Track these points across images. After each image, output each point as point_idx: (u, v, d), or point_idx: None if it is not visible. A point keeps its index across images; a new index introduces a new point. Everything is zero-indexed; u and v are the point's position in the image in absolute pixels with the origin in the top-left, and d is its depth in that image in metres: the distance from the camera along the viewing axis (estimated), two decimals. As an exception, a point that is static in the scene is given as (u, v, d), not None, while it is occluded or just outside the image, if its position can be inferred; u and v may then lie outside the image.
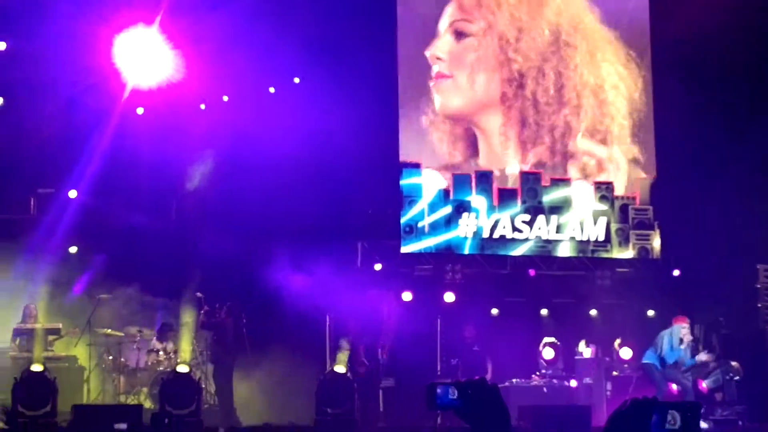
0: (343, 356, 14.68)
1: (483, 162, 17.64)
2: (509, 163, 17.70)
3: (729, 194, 16.94)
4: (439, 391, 3.22)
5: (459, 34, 17.63)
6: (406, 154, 17.40)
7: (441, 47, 17.59)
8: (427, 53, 17.53)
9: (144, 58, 16.14)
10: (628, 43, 18.15)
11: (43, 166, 16.19)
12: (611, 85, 18.02)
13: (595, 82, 17.91)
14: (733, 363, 15.74)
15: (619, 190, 17.71)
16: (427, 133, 17.48)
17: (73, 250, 15.99)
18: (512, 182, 17.55)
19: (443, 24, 17.68)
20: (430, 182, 17.32)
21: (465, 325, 16.45)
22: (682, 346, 14.71)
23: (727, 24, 16.48)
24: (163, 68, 16.23)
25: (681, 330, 14.72)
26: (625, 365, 16.39)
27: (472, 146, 17.71)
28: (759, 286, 16.75)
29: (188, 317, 14.94)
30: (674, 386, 14.82)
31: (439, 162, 17.46)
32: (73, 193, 16.18)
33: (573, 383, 16.03)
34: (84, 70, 15.80)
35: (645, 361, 14.98)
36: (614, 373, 16.25)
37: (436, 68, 17.57)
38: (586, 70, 17.89)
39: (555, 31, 17.86)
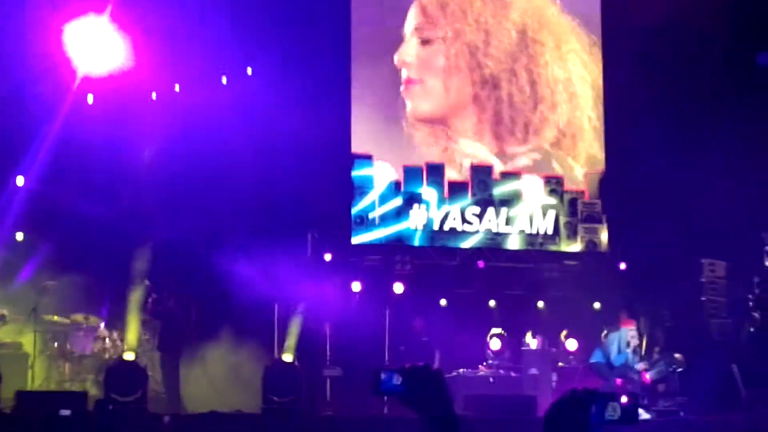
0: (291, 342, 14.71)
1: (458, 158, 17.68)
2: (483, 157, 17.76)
3: (676, 189, 17.19)
4: (383, 376, 3.24)
5: (425, 41, 17.70)
6: (358, 147, 17.44)
7: (408, 52, 17.65)
8: (395, 58, 17.55)
9: (95, 46, 16.01)
10: (588, 28, 18.34)
11: (-11, 151, 16.04)
12: (578, 75, 18.21)
13: (564, 75, 18.08)
14: (677, 355, 15.91)
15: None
16: (408, 135, 17.48)
17: (19, 236, 15.83)
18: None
19: (408, 28, 17.72)
20: (381, 174, 17.38)
21: (414, 317, 16.53)
22: (629, 350, 14.83)
23: (680, 13, 16.62)
24: (114, 56, 16.11)
25: (629, 333, 14.83)
26: (571, 356, 16.55)
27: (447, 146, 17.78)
28: (704, 279, 16.99)
29: (136, 305, 14.83)
30: (648, 375, 14.98)
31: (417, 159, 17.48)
32: (20, 180, 16.04)
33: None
34: (34, 57, 15.64)
35: (593, 360, 15.09)
36: (560, 364, 16.41)
37: (405, 73, 17.61)
38: (556, 65, 18.05)
39: (521, 30, 18.01)
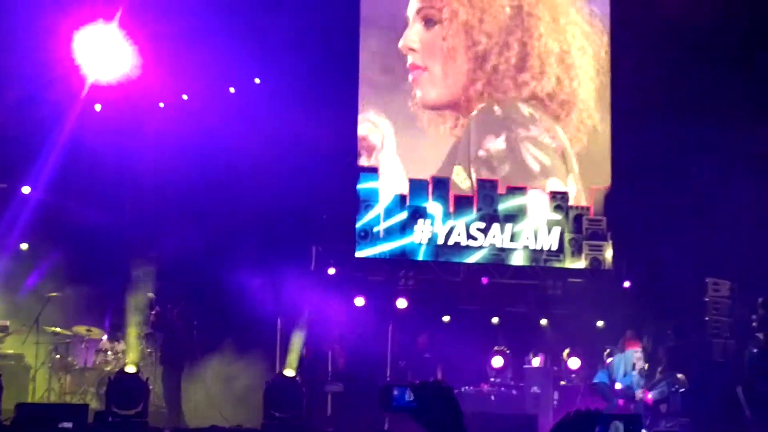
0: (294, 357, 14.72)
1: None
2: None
3: (680, 207, 17.14)
4: (395, 393, 3.24)
5: (428, 21, 17.75)
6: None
7: (412, 37, 17.68)
8: (400, 44, 17.61)
9: (103, 55, 16.05)
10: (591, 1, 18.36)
11: (-4, 161, 16.10)
12: (577, 47, 18.21)
13: (560, 48, 18.08)
14: (679, 375, 15.89)
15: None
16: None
17: (24, 246, 15.89)
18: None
19: (411, 11, 17.77)
20: (386, 187, 17.38)
21: (419, 333, 16.53)
22: (634, 372, 14.80)
23: (690, 19, 16.54)
24: (123, 65, 16.15)
25: (634, 355, 14.79)
26: (573, 375, 16.52)
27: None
28: (707, 299, 16.91)
29: (139, 318, 14.86)
30: (649, 395, 14.96)
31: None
32: (26, 189, 16.09)
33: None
34: (43, 66, 15.68)
35: (596, 380, 15.07)
36: (562, 382, 16.38)
37: (409, 59, 17.65)
38: (551, 38, 18.06)
39: (517, 5, 18.01)
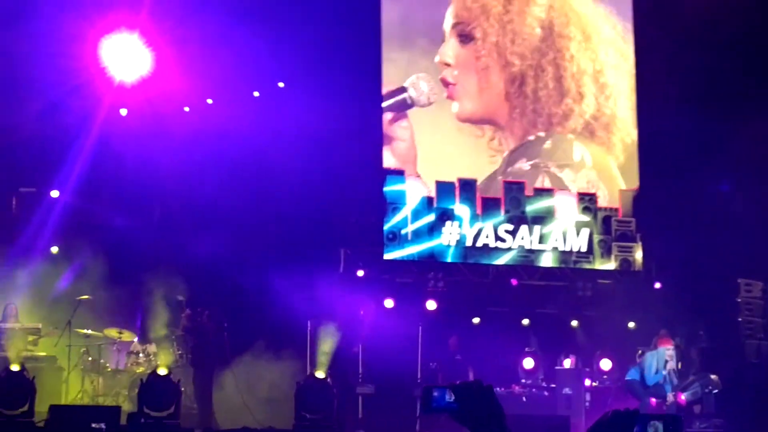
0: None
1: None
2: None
3: (711, 207, 17.04)
4: (435, 394, 3.19)
5: (463, 38, 17.69)
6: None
7: (447, 52, 17.64)
8: (436, 59, 17.57)
9: (128, 60, 16.09)
10: (621, 15, 18.27)
11: (25, 165, 16.11)
12: (611, 65, 18.12)
13: (594, 67, 18.01)
14: (713, 376, 15.77)
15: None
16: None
17: (54, 250, 15.90)
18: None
19: (447, 25, 17.74)
20: (413, 189, 17.33)
21: (450, 335, 16.46)
22: (665, 371, 14.67)
23: (717, 21, 16.46)
24: (147, 70, 16.17)
25: (666, 353, 14.67)
26: (605, 376, 16.42)
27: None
28: (740, 300, 16.83)
29: (170, 320, 14.84)
30: (653, 399, 14.83)
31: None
32: (55, 193, 16.12)
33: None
34: (69, 71, 15.73)
35: (628, 378, 14.94)
36: (593, 383, 16.27)
37: (444, 73, 17.60)
38: (583, 57, 17.99)
39: (547, 26, 17.96)
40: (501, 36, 17.77)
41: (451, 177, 17.43)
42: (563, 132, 17.88)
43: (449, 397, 3.17)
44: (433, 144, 17.56)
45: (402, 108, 17.46)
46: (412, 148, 17.48)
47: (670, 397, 14.46)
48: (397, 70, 17.67)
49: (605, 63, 18.11)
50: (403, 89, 17.44)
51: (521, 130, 17.82)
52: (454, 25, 17.72)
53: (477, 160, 17.68)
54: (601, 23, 18.20)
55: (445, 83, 17.58)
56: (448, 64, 17.59)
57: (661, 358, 14.50)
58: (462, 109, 17.63)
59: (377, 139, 17.52)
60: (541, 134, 17.85)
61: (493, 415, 3.16)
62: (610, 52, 18.16)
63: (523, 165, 17.81)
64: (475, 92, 17.72)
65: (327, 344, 14.66)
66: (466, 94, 17.68)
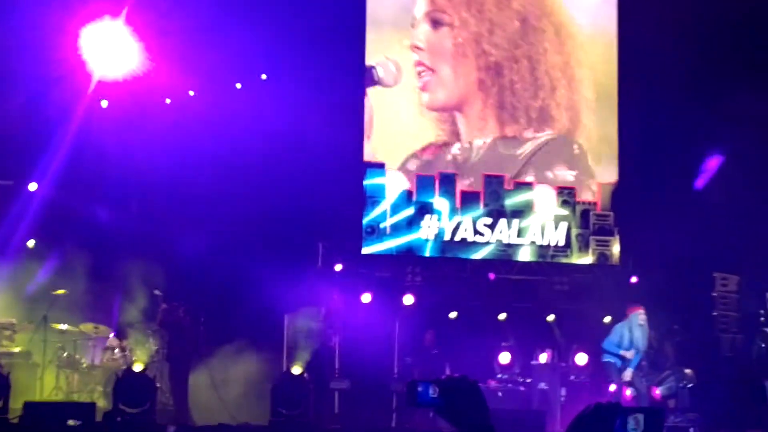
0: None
1: (463, 138, 17.76)
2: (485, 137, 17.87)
3: (688, 202, 17.10)
4: (420, 389, 3.22)
5: (435, 23, 17.71)
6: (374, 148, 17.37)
7: (419, 36, 17.65)
8: (406, 42, 17.56)
9: (110, 51, 16.05)
10: (588, 12, 18.29)
11: (2, 158, 16.08)
12: (576, 59, 18.14)
13: (562, 60, 18.04)
14: (687, 370, 15.91)
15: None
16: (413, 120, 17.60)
17: (30, 243, 15.88)
18: (474, 154, 17.65)
19: (419, 11, 17.72)
20: (393, 183, 17.35)
21: (426, 330, 16.51)
22: (638, 334, 14.64)
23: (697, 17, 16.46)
24: (129, 61, 16.15)
25: (639, 317, 14.67)
26: (581, 372, 16.48)
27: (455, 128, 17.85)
28: (715, 294, 16.90)
29: (146, 315, 14.86)
30: (628, 392, 14.91)
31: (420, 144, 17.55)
32: (33, 186, 16.10)
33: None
34: (49, 63, 15.69)
35: (604, 346, 14.93)
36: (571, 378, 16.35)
37: (415, 57, 17.60)
38: (555, 51, 18.02)
39: (523, 18, 17.99)
40: (480, 26, 17.78)
41: (401, 155, 17.42)
42: (544, 132, 17.90)
43: (433, 392, 3.21)
44: (390, 124, 17.55)
45: (367, 83, 17.51)
46: (370, 124, 17.48)
47: (627, 373, 14.51)
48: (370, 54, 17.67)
49: (571, 56, 18.10)
50: (371, 67, 17.50)
51: (499, 122, 17.81)
52: (427, 13, 17.72)
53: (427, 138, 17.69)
54: (569, 18, 18.17)
55: (420, 64, 17.54)
56: (419, 47, 17.60)
57: (634, 325, 14.51)
58: (433, 99, 17.65)
59: (358, 133, 17.53)
60: (529, 134, 17.86)
61: (478, 410, 3.20)
62: (575, 45, 18.14)
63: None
64: (449, 78, 17.72)
65: (303, 338, 14.76)
66: (440, 82, 17.68)
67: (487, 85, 17.82)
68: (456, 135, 17.75)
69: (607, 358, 14.97)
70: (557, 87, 17.96)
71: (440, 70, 17.71)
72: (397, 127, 17.63)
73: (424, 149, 17.60)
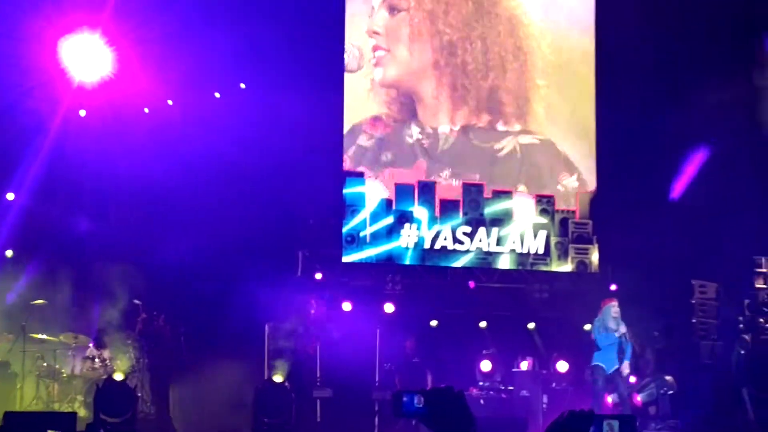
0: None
1: (421, 119, 17.93)
2: (441, 123, 18.00)
3: (666, 210, 17.21)
4: (405, 399, 3.25)
5: (392, 9, 17.84)
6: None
7: (377, 22, 17.82)
8: (365, 29, 17.72)
9: (88, 60, 15.97)
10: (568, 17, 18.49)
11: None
12: (527, 44, 18.24)
13: (515, 44, 18.16)
14: (668, 377, 15.96)
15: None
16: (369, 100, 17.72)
17: (9, 253, 15.76)
18: (443, 142, 17.82)
19: (376, 1, 17.82)
20: (373, 192, 17.38)
21: (406, 338, 16.51)
22: (613, 325, 14.53)
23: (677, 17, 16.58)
24: (107, 71, 16.08)
25: (612, 309, 14.60)
26: (562, 378, 16.52)
27: (411, 108, 17.95)
28: (694, 301, 16.98)
29: (126, 324, 14.78)
30: (609, 398, 14.93)
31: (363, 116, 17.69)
32: (10, 196, 15.98)
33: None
34: (26, 72, 15.61)
35: (595, 362, 14.80)
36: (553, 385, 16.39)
37: (372, 42, 17.77)
38: (508, 35, 18.16)
39: (478, 1, 18.06)
40: (435, 5, 17.91)
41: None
42: (515, 128, 18.03)
43: (418, 402, 3.24)
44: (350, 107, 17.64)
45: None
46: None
47: (625, 366, 14.46)
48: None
49: (523, 41, 18.22)
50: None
51: (452, 103, 17.89)
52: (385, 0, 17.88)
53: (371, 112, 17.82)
54: (522, 4, 18.28)
55: (377, 48, 17.74)
56: (376, 32, 17.75)
57: (608, 316, 14.43)
58: (385, 75, 17.82)
59: (337, 142, 17.55)
60: (501, 127, 17.97)
61: (463, 419, 3.22)
62: (528, 32, 18.27)
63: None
64: (404, 59, 17.89)
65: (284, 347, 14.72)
66: (393, 60, 17.83)
67: (441, 65, 17.96)
68: (411, 115, 17.83)
69: (596, 362, 14.69)
70: (508, 70, 18.09)
71: (396, 51, 17.92)
72: (348, 101, 17.71)
73: (373, 125, 17.64)
